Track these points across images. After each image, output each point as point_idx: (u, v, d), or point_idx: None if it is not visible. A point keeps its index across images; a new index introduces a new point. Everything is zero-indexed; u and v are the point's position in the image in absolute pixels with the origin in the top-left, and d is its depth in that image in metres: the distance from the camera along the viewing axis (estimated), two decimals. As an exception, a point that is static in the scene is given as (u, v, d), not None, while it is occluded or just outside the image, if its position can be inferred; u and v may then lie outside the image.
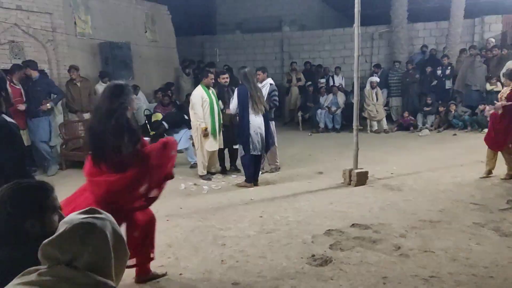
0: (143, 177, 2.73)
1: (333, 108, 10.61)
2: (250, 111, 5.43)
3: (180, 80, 11.11)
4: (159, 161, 2.79)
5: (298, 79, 11.71)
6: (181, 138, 6.74)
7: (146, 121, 8.74)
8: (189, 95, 7.09)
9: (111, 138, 2.65)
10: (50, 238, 1.16)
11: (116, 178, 2.67)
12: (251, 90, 5.40)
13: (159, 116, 8.41)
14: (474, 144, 7.70)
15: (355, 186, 5.36)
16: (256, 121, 5.48)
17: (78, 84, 7.49)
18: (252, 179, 5.69)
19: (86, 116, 7.79)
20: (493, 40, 10.49)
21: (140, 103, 9.30)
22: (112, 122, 2.64)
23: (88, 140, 2.81)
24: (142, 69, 9.74)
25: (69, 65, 7.48)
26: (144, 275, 3.04)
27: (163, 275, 3.15)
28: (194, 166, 6.71)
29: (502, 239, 3.60)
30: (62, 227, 1.17)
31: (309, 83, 11.31)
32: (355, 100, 5.56)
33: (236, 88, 5.59)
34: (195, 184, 5.92)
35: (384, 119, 10.10)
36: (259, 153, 5.58)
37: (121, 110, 2.70)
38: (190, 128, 6.82)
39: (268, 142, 5.68)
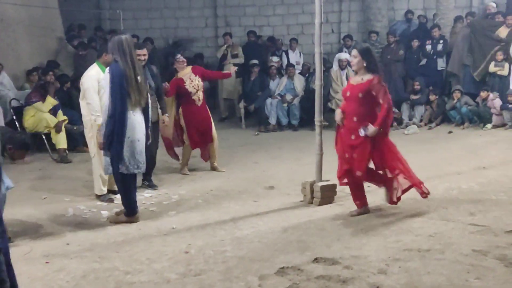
0: None
1: (289, 97, 10.80)
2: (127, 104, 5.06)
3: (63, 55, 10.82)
4: None
5: (235, 56, 11.74)
6: None
7: (15, 117, 8.38)
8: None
9: None
10: None
11: None
12: (128, 69, 5.02)
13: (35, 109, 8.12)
14: (474, 145, 8.19)
15: (319, 205, 5.49)
16: (134, 121, 5.13)
17: None
18: (135, 210, 5.32)
19: None
20: (494, 4, 11.13)
21: (4, 90, 8.90)
22: None
23: None
24: (6, 39, 9.42)
25: None
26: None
27: None
28: None
29: (509, 270, 3.85)
30: None
31: (254, 61, 11.36)
32: (317, 85, 5.70)
33: (108, 68, 5.14)
34: (89, 209, 5.79)
35: (358, 112, 10.45)
36: (134, 171, 5.20)
37: None
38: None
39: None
